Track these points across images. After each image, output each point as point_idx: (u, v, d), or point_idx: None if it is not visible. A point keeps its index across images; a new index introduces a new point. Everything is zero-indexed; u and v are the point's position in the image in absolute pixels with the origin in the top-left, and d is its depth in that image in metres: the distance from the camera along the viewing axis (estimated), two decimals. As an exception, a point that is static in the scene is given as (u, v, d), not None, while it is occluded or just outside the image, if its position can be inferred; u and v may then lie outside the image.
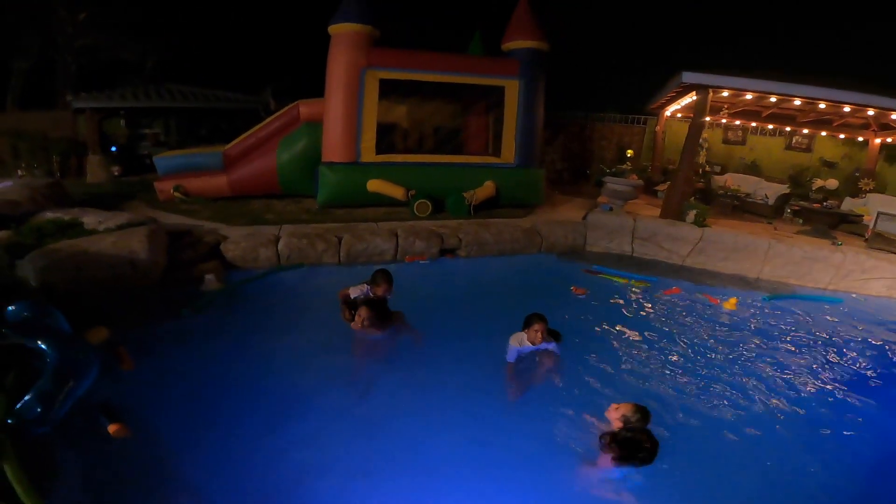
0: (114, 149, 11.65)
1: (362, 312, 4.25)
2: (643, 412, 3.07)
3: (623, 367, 4.34)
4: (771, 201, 9.71)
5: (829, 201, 9.84)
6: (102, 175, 10.56)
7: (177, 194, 8.30)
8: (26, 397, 2.89)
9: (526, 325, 4.09)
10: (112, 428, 2.96)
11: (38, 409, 2.86)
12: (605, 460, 3.00)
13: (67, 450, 2.88)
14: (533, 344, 4.07)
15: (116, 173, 10.98)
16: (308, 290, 5.92)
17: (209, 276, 5.49)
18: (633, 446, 2.90)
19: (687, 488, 2.96)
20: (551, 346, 4.20)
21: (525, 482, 2.97)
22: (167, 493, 2.73)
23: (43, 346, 3.26)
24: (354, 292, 4.75)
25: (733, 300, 5.98)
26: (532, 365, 4.17)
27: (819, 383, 4.34)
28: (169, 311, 4.85)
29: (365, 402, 3.65)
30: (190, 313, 4.83)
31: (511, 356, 4.10)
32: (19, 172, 10.25)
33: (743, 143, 12.11)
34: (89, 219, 6.09)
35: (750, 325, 5.48)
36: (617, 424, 3.06)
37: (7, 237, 5.25)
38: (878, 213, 7.84)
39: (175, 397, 3.51)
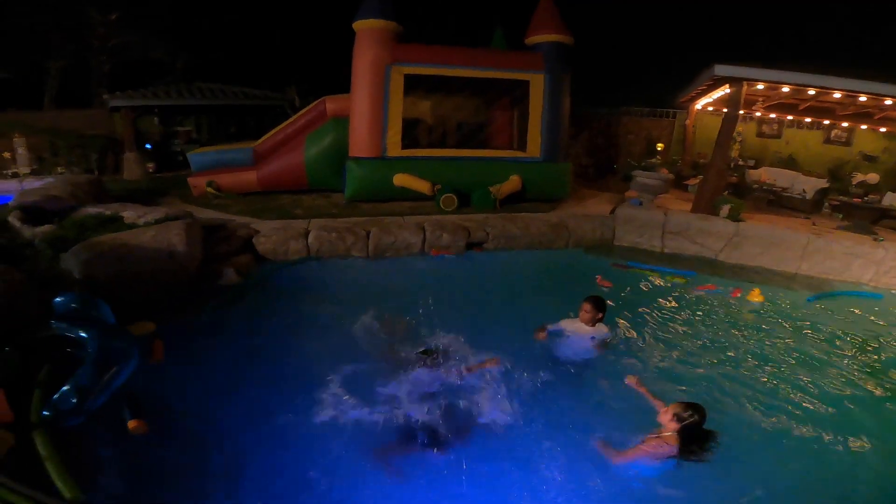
0: (148, 146, 12.03)
1: None
2: (698, 409, 3.04)
3: (652, 361, 4.25)
4: (809, 196, 9.35)
5: (869, 196, 9.44)
6: (138, 172, 10.92)
7: (210, 190, 8.51)
8: (63, 388, 2.91)
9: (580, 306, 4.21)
10: (132, 424, 2.96)
11: (74, 401, 2.88)
12: (639, 452, 2.97)
13: (99, 440, 2.92)
14: (583, 323, 4.15)
15: (151, 170, 11.33)
16: (338, 283, 6.00)
17: (228, 271, 5.58)
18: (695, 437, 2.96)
19: (717, 484, 2.89)
20: (603, 335, 4.23)
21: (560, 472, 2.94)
22: (200, 482, 2.75)
23: (85, 336, 3.34)
24: None
25: (756, 291, 5.81)
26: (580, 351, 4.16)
27: (854, 380, 4.16)
28: (205, 303, 4.99)
29: (400, 388, 3.60)
30: None
31: (553, 327, 4.22)
32: (59, 169, 10.69)
33: (778, 136, 11.69)
34: (129, 213, 6.23)
35: (785, 321, 5.29)
36: (672, 426, 3.01)
37: (50, 231, 5.42)
38: (922, 208, 7.49)
39: (207, 388, 3.55)
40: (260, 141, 9.05)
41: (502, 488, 2.85)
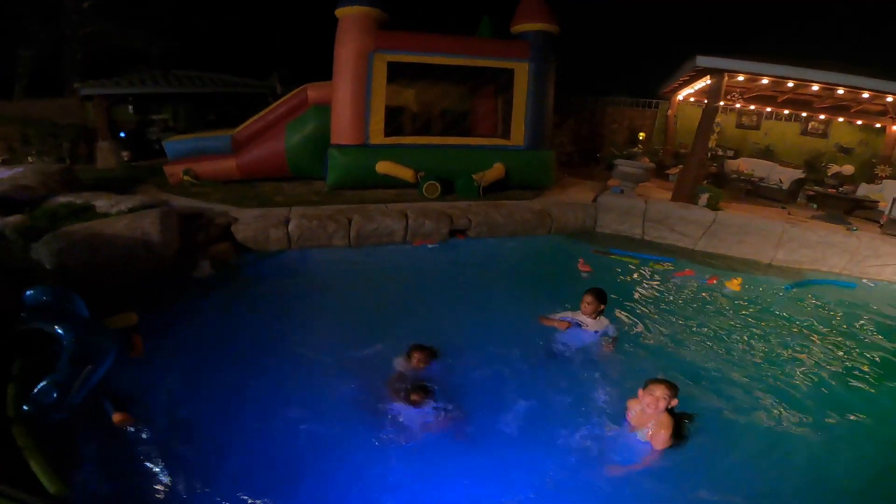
0: (123, 135, 11.70)
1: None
2: (675, 387, 3.06)
3: (628, 345, 4.31)
4: (785, 186, 9.55)
5: (844, 186, 9.68)
6: (112, 161, 10.61)
7: (187, 178, 8.32)
8: (42, 383, 2.84)
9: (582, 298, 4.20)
10: (117, 417, 2.94)
11: (55, 395, 2.81)
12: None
13: (81, 434, 2.88)
14: (585, 315, 4.14)
15: (126, 159, 11.02)
16: (320, 272, 5.97)
17: (203, 263, 5.45)
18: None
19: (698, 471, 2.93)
20: (608, 329, 4.21)
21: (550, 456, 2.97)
22: (177, 475, 2.71)
23: (60, 331, 3.22)
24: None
25: (735, 280, 5.93)
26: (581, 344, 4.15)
27: (827, 367, 4.27)
28: (183, 293, 4.90)
29: (380, 379, 3.60)
30: None
31: (562, 315, 4.22)
32: (30, 159, 10.33)
33: (757, 127, 11.91)
34: (101, 202, 6.12)
35: (762, 308, 5.42)
36: (660, 406, 2.97)
37: (21, 221, 5.23)
38: (894, 199, 7.69)
39: (185, 379, 3.50)
40: (239, 129, 8.88)
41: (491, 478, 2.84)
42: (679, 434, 3.01)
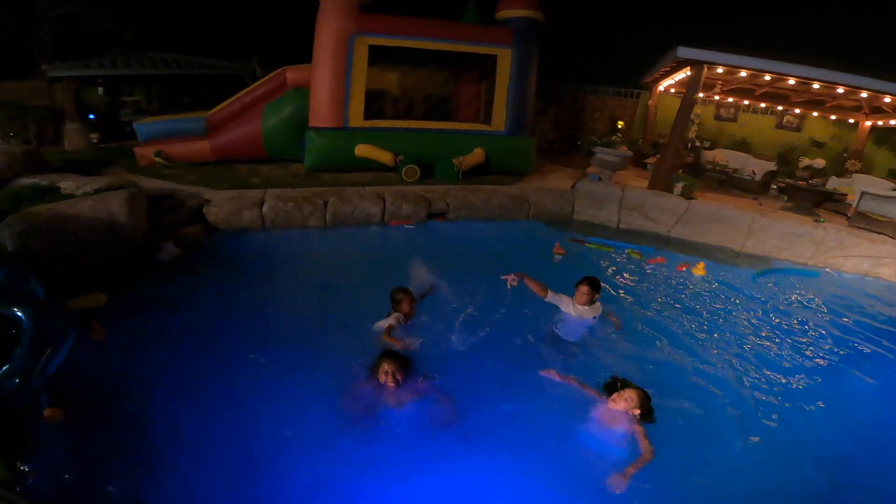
0: (92, 116, 11.36)
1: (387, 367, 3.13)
2: (646, 395, 3.11)
3: (601, 332, 4.34)
4: (758, 177, 9.77)
5: (814, 179, 9.94)
6: (81, 142, 10.26)
7: (158, 160, 8.15)
8: (4, 368, 2.76)
9: (576, 286, 4.15)
10: (47, 412, 2.81)
11: (17, 381, 2.74)
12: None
13: (39, 422, 2.79)
14: (581, 307, 4.13)
15: (95, 141, 10.65)
16: (289, 255, 5.90)
17: (168, 245, 5.34)
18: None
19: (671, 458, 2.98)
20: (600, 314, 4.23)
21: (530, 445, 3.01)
22: (142, 460, 2.68)
23: (19, 314, 3.10)
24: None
25: (701, 265, 6.09)
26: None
27: (787, 352, 4.43)
28: (151, 276, 4.81)
29: (354, 364, 3.51)
30: None
31: (555, 300, 4.18)
32: (-6, 141, 9.95)
33: (734, 120, 12.12)
34: (67, 184, 5.90)
35: (730, 295, 5.57)
36: (636, 411, 3.05)
37: (-18, 204, 5.07)
38: (862, 193, 7.93)
39: (152, 362, 3.44)
40: (214, 110, 8.73)
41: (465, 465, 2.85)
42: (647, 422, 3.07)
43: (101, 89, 11.76)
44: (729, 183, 9.76)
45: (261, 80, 8.83)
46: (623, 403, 3.08)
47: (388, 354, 3.16)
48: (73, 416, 2.87)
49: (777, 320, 5.06)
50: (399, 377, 3.06)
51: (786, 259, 7.14)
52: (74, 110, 10.58)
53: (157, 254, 5.24)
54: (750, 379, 3.92)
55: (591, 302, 4.16)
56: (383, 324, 3.85)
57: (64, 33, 12.97)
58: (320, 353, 3.68)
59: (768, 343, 4.56)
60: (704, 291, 5.64)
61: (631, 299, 5.17)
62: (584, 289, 4.11)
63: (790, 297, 5.75)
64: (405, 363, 3.18)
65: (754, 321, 4.97)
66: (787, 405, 3.64)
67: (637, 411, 3.05)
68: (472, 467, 2.84)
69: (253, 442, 2.86)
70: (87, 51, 11.42)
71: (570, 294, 4.20)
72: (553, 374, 3.56)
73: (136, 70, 10.92)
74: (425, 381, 3.24)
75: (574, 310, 4.16)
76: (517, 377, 3.56)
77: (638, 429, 3.01)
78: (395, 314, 3.91)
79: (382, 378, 3.06)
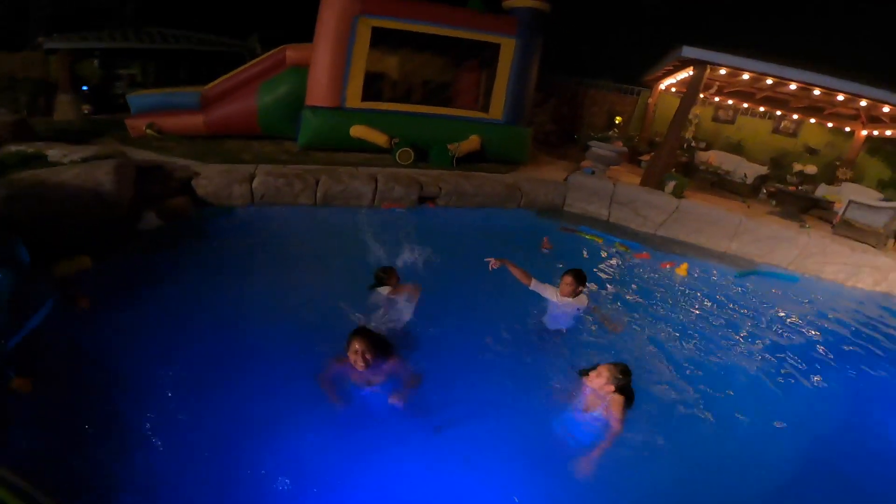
0: (85, 88, 11.20)
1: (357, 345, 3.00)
2: (623, 369, 3.11)
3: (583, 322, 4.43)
4: (749, 181, 9.86)
5: (804, 186, 10.04)
6: (72, 113, 10.10)
7: (149, 131, 8.06)
8: None
9: (561, 278, 4.18)
10: (16, 381, 2.78)
11: None
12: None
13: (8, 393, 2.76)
14: (565, 297, 4.15)
15: (87, 112, 10.53)
16: (277, 229, 5.90)
17: (149, 214, 5.31)
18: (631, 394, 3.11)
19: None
20: (584, 306, 4.25)
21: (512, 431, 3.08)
22: (120, 435, 2.67)
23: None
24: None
25: (684, 266, 6.19)
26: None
27: (761, 353, 4.55)
28: (136, 246, 4.82)
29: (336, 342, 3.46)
30: None
31: (539, 288, 4.22)
32: (-16, 110, 9.81)
33: (732, 122, 12.17)
34: (54, 152, 5.80)
35: (710, 295, 5.68)
36: (608, 388, 3.04)
37: (-33, 170, 4.99)
38: (850, 202, 8.02)
39: (130, 330, 3.43)
40: (210, 85, 8.64)
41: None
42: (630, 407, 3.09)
43: (96, 62, 11.62)
44: (720, 185, 9.85)
45: (260, 58, 8.75)
46: (597, 380, 3.07)
47: (360, 332, 3.04)
48: (48, 385, 2.86)
49: (751, 321, 5.17)
50: (369, 357, 2.95)
51: (767, 263, 7.26)
52: (68, 82, 10.47)
53: (138, 223, 5.22)
54: (720, 376, 4.05)
55: (574, 293, 4.20)
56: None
57: (61, 8, 12.71)
58: (301, 331, 3.70)
59: (742, 342, 4.69)
60: (685, 289, 5.75)
61: (614, 292, 5.26)
62: (568, 279, 4.15)
63: (767, 300, 5.87)
64: (377, 342, 3.06)
65: (730, 321, 5.08)
66: (754, 403, 3.77)
67: (611, 387, 3.03)
68: (441, 451, 2.87)
69: (230, 418, 2.87)
70: (85, 25, 11.24)
71: (555, 285, 4.27)
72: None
73: (134, 44, 10.75)
74: (398, 362, 3.18)
75: (558, 299, 4.23)
76: (498, 361, 3.64)
77: (612, 403, 2.99)
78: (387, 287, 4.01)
79: (352, 357, 2.95)
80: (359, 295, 4.05)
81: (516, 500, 2.70)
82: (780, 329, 5.16)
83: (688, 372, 4.01)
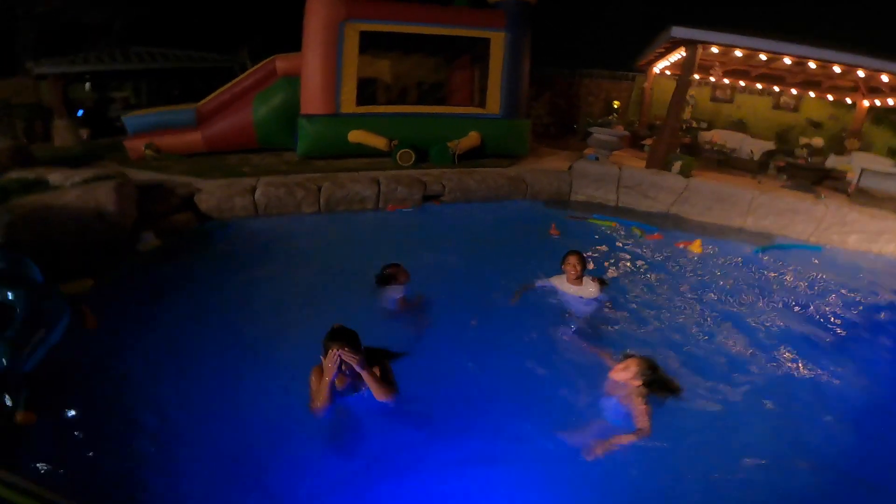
0: (80, 113, 11.28)
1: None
2: (652, 364, 2.93)
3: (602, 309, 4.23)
4: (756, 157, 9.68)
5: (813, 158, 9.85)
6: (70, 139, 10.17)
7: (148, 152, 8.07)
8: None
9: (562, 262, 4.03)
10: (20, 416, 2.66)
11: (4, 361, 2.73)
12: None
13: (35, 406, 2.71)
14: (571, 283, 4.00)
15: (85, 137, 10.60)
16: (283, 240, 5.77)
17: (147, 235, 5.23)
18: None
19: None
20: (598, 296, 4.06)
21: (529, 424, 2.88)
22: (136, 445, 2.58)
23: (11, 297, 3.13)
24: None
25: (697, 242, 5.99)
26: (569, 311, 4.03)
27: (789, 327, 4.28)
28: (136, 262, 4.75)
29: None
30: None
31: (545, 284, 4.09)
32: (-19, 140, 9.83)
33: (731, 101, 12.03)
34: (55, 176, 5.76)
35: (729, 271, 5.45)
36: (635, 382, 2.86)
37: (-31, 198, 4.95)
38: (863, 170, 7.85)
39: (144, 349, 3.35)
40: (203, 101, 8.67)
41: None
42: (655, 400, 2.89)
43: (87, 85, 11.67)
44: (727, 163, 9.66)
45: (250, 70, 8.77)
46: (623, 373, 2.90)
47: (336, 335, 2.67)
48: (57, 404, 2.78)
49: (778, 296, 4.92)
50: (353, 360, 2.62)
51: (786, 236, 7.04)
52: (62, 107, 10.49)
53: (136, 244, 5.12)
54: (752, 355, 3.78)
55: (581, 276, 4.05)
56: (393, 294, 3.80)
57: (48, 28, 12.82)
58: (310, 341, 3.54)
59: (770, 318, 4.41)
60: (705, 267, 5.52)
61: (631, 275, 5.06)
62: (571, 260, 4.01)
63: (792, 273, 5.63)
64: (356, 342, 2.70)
65: (755, 297, 4.83)
66: (789, 382, 3.51)
67: (637, 382, 2.85)
68: (455, 451, 2.67)
69: (238, 434, 2.72)
70: (72, 46, 11.31)
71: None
72: (579, 343, 3.47)
73: (122, 65, 10.82)
74: (381, 356, 2.90)
75: (569, 288, 4.06)
76: (515, 359, 3.43)
77: (637, 402, 2.79)
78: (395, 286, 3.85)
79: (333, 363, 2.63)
80: (367, 299, 3.92)
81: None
82: (808, 301, 4.89)
83: (714, 353, 3.76)
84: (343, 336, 2.67)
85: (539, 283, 4.21)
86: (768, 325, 4.29)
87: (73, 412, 2.79)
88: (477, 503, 2.44)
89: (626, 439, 2.67)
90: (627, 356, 3.06)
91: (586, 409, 2.97)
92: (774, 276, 5.45)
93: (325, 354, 2.64)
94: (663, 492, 2.54)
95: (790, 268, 5.80)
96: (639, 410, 2.77)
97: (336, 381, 2.69)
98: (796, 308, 4.71)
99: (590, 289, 4.08)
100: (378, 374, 2.76)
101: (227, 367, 3.24)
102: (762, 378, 3.49)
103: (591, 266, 4.58)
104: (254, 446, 2.65)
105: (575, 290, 4.07)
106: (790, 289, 5.17)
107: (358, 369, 2.64)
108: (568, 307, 4.06)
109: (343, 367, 2.64)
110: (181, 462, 2.53)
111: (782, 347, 3.93)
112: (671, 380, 3.04)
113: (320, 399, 2.66)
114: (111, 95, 12.03)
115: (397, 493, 2.45)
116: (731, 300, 4.72)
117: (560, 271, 4.13)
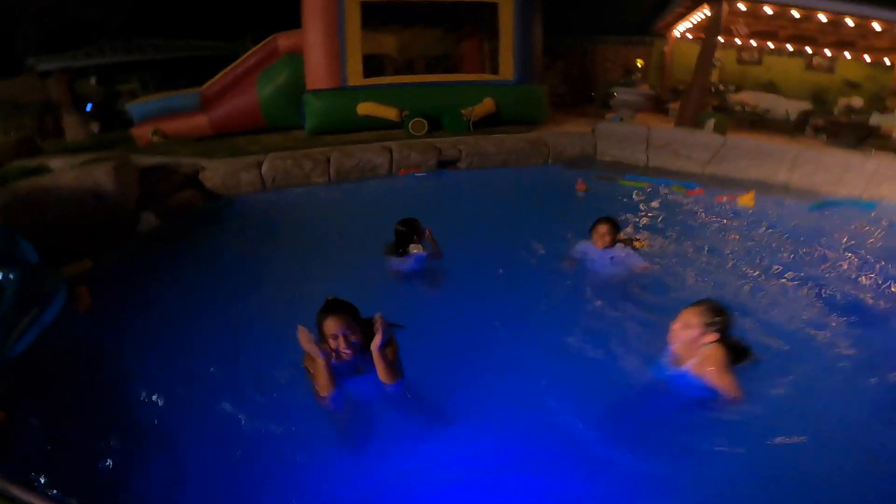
0: (89, 107, 11.24)
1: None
2: (716, 306, 2.28)
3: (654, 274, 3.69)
4: (792, 117, 9.04)
5: (854, 117, 9.18)
6: (81, 133, 9.99)
7: (155, 137, 7.93)
8: None
9: (591, 230, 3.57)
10: None
11: None
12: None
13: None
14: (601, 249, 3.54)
15: (95, 130, 10.51)
16: (292, 212, 5.44)
17: (147, 214, 4.92)
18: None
19: None
20: (629, 257, 3.55)
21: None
22: (130, 432, 2.25)
23: (2, 275, 2.88)
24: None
25: (749, 195, 5.46)
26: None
27: (851, 289, 3.67)
28: (136, 245, 4.48)
29: None
30: None
31: (575, 252, 3.67)
32: (-5, 139, 9.85)
33: (759, 63, 11.38)
34: (56, 162, 5.66)
35: (786, 229, 4.80)
36: (707, 339, 2.22)
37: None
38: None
39: (140, 330, 3.04)
40: (207, 84, 8.50)
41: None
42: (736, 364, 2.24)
43: (93, 79, 11.63)
44: (760, 123, 9.05)
45: (252, 50, 8.54)
46: (686, 332, 2.24)
47: (333, 309, 2.18)
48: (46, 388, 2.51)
49: (841, 255, 4.28)
50: (354, 338, 2.16)
51: (834, 192, 6.42)
52: (70, 102, 10.42)
53: (136, 225, 4.81)
54: (822, 319, 3.17)
55: (612, 243, 3.54)
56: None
57: (49, 26, 12.84)
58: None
59: (836, 279, 3.80)
60: (755, 226, 4.89)
61: (677, 236, 4.46)
62: (601, 228, 3.49)
63: (849, 231, 4.93)
64: (357, 316, 2.22)
65: (817, 256, 4.20)
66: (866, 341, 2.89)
67: (708, 338, 2.19)
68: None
69: (240, 423, 2.30)
70: (74, 42, 11.29)
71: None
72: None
73: (124, 57, 10.78)
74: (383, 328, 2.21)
75: (602, 254, 3.56)
76: (546, 333, 2.92)
77: (715, 364, 2.16)
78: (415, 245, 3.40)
79: (332, 344, 2.16)
80: (381, 267, 3.52)
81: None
82: (875, 258, 4.23)
83: (775, 320, 3.14)
84: (339, 309, 2.18)
85: (578, 247, 3.73)
86: (833, 283, 3.68)
87: (59, 402, 2.49)
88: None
89: (719, 411, 2.12)
90: (690, 305, 2.34)
91: (651, 392, 2.41)
92: (833, 234, 4.77)
93: (320, 331, 2.17)
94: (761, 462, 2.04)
95: (849, 225, 5.14)
96: (720, 375, 2.16)
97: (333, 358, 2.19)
98: (862, 267, 4.07)
99: (625, 254, 3.56)
100: (389, 355, 2.23)
101: (226, 348, 2.85)
102: (834, 337, 2.93)
103: (629, 230, 4.11)
104: (258, 436, 2.22)
105: (609, 256, 3.56)
106: (852, 246, 4.51)
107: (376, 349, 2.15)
108: (606, 274, 3.56)
109: (347, 352, 2.16)
110: (178, 453, 2.16)
111: (854, 305, 3.35)
112: (739, 340, 2.38)
113: (322, 386, 2.17)
114: (118, 89, 11.96)
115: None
116: (790, 259, 4.12)
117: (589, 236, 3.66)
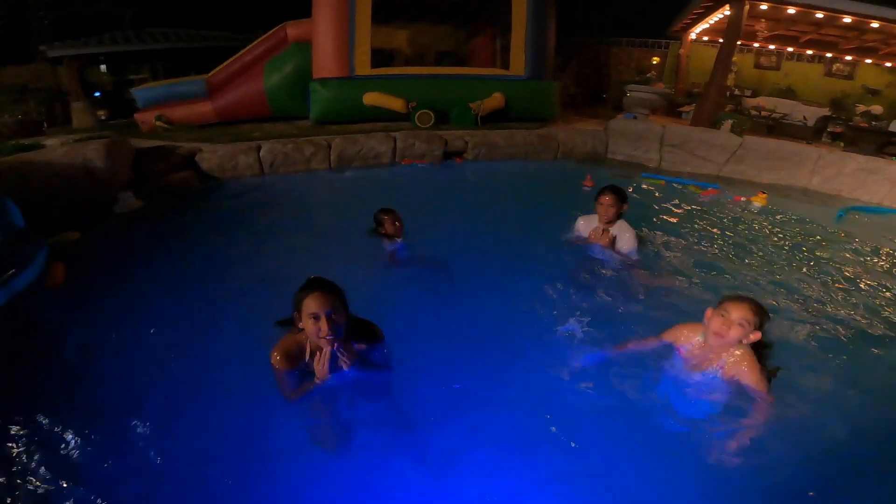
0: (97, 94, 11.25)
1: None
2: (760, 306, 2.04)
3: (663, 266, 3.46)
4: (810, 123, 8.76)
5: (875, 123, 8.91)
6: (89, 120, 10.15)
7: (159, 123, 7.79)
8: None
9: (595, 201, 3.31)
10: None
11: None
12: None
13: None
14: (605, 223, 3.29)
15: (103, 117, 10.57)
16: (289, 197, 5.25)
17: (126, 194, 4.69)
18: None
19: None
20: (626, 250, 3.30)
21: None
22: (104, 415, 2.03)
23: None
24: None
25: (761, 195, 5.24)
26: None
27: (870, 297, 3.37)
28: (114, 225, 4.28)
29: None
30: None
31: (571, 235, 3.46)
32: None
33: (777, 68, 11.13)
34: (52, 141, 5.59)
35: (810, 236, 4.53)
36: (753, 336, 1.98)
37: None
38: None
39: (117, 308, 2.86)
40: (213, 72, 8.36)
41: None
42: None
43: (103, 67, 11.63)
44: (777, 129, 8.77)
45: (260, 38, 8.39)
46: (734, 331, 1.95)
47: (316, 285, 1.86)
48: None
49: (864, 259, 4.03)
50: (338, 319, 1.84)
51: (856, 198, 6.13)
52: (79, 89, 10.53)
53: (113, 205, 4.56)
54: (846, 331, 2.85)
55: (617, 215, 3.27)
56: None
57: (62, 16, 12.94)
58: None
59: (863, 288, 3.49)
60: (778, 231, 4.59)
61: (691, 235, 4.18)
62: (606, 199, 3.22)
63: (877, 237, 4.64)
64: (342, 297, 1.90)
65: (845, 263, 3.91)
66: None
67: (754, 336, 1.96)
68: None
69: (223, 415, 2.09)
70: (86, 32, 11.35)
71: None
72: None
73: (136, 46, 10.72)
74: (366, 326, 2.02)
75: (598, 237, 3.29)
76: (551, 334, 2.62)
77: (750, 364, 1.96)
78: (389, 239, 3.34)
79: (312, 328, 1.82)
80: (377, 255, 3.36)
81: None
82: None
83: (805, 325, 2.85)
84: (325, 286, 1.86)
85: (574, 233, 3.49)
86: (860, 295, 3.36)
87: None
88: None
89: (755, 423, 1.90)
90: (728, 301, 2.04)
91: (680, 397, 2.12)
92: (856, 240, 4.48)
93: (299, 312, 1.85)
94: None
95: (875, 231, 4.87)
96: (758, 376, 1.95)
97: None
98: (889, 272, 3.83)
99: (624, 237, 3.28)
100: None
101: (199, 327, 2.66)
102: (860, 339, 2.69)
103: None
104: (241, 427, 2.02)
105: (605, 238, 3.28)
106: (879, 250, 4.26)
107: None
108: (598, 261, 3.31)
109: (329, 336, 1.83)
110: (156, 447, 1.91)
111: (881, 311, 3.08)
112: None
113: (319, 371, 1.91)
114: (129, 77, 11.96)
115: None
116: (813, 263, 3.85)
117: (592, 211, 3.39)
